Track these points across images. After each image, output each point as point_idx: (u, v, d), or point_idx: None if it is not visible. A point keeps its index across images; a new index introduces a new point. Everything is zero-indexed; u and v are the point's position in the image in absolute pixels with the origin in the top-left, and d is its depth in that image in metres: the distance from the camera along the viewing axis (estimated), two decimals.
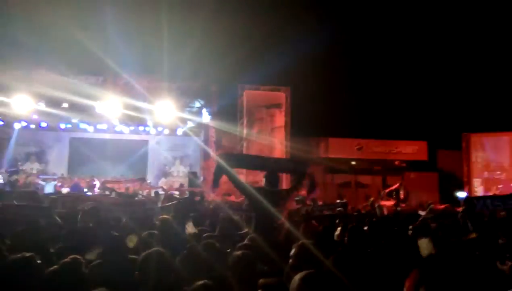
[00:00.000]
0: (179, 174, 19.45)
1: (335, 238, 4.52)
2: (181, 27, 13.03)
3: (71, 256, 2.71)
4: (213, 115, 16.04)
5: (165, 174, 19.38)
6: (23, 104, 13.96)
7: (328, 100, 17.84)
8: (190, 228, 4.77)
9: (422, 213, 8.23)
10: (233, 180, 5.03)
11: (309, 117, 17.48)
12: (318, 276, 2.07)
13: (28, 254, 2.66)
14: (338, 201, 11.63)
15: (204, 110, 16.35)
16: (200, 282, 2.41)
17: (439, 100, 17.39)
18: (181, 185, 16.19)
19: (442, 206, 8.61)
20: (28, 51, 12.38)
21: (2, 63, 12.70)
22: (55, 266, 2.71)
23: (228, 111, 16.12)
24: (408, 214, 7.95)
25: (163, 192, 12.33)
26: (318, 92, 17.59)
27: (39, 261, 2.64)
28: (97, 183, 15.24)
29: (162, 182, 18.90)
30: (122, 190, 12.30)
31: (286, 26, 15.59)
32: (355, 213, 8.83)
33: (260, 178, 13.32)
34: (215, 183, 5.45)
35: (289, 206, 5.56)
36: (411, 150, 18.90)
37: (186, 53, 13.20)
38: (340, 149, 18.60)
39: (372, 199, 11.58)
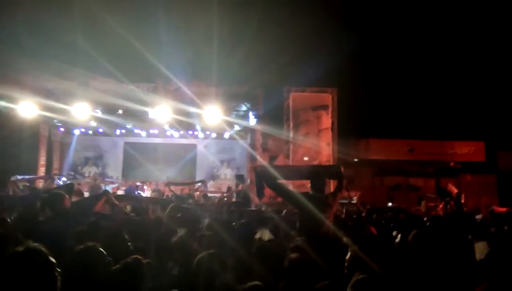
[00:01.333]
0: (227, 177, 19.78)
1: (396, 243, 4.37)
2: (229, 33, 13.33)
3: (133, 256, 2.85)
4: (259, 118, 16.15)
5: (213, 177, 19.79)
6: (82, 112, 14.82)
7: (376, 101, 17.42)
8: (266, 236, 4.79)
9: (478, 216, 7.79)
10: (275, 188, 5.03)
11: (357, 118, 17.15)
12: (372, 280, 2.06)
13: (91, 244, 2.83)
14: (389, 204, 11.32)
15: (250, 114, 16.52)
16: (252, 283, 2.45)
17: (496, 99, 16.38)
18: (229, 188, 16.45)
19: (504, 209, 8.07)
20: (86, 60, 13.17)
21: (62, 72, 13.64)
22: (118, 265, 2.84)
23: (274, 114, 16.19)
24: (464, 217, 7.56)
25: (213, 195, 12.59)
26: (365, 92, 17.23)
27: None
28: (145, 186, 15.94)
29: (211, 185, 19.35)
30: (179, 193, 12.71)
31: (331, 27, 15.42)
32: (409, 217, 8.50)
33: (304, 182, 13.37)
34: (259, 193, 5.46)
35: (335, 210, 5.46)
36: (467, 150, 17.92)
37: (233, 58, 13.46)
38: (390, 150, 18.03)
39: (424, 202, 11.14)
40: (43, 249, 1.92)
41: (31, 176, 14.96)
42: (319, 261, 3.39)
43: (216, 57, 13.11)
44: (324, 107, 16.16)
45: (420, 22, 16.22)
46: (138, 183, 17.00)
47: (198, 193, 15.09)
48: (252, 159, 17.26)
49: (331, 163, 15.11)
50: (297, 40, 15.01)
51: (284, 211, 7.15)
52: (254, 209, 8.09)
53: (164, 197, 11.99)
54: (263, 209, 7.92)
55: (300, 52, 15.18)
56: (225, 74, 14.28)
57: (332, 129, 16.10)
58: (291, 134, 15.94)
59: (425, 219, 6.47)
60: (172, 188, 15.13)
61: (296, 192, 5.21)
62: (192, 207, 6.77)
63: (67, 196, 4.40)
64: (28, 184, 14.11)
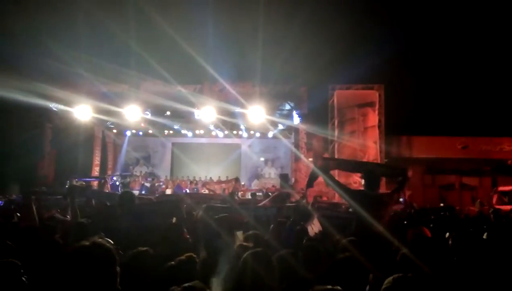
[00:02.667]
0: (271, 176, 19.88)
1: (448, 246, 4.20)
2: (273, 33, 13.39)
3: (187, 254, 2.95)
4: (303, 117, 16.06)
5: (258, 176, 19.95)
6: (133, 114, 15.52)
7: (425, 97, 16.75)
8: (315, 228, 4.79)
9: None
10: (331, 183, 4.96)
11: (405, 115, 16.58)
12: (413, 280, 2.03)
13: (143, 249, 2.98)
14: (441, 204, 10.85)
15: (294, 113, 16.47)
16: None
17: None
18: (273, 187, 16.54)
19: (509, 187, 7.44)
20: (138, 62, 13.76)
21: (116, 75, 14.35)
22: (172, 262, 2.95)
23: (318, 112, 16.03)
24: None
25: (260, 193, 12.72)
26: (414, 89, 16.62)
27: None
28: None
29: (255, 184, 19.54)
30: (219, 192, 12.99)
31: (377, 23, 15.04)
32: (463, 218, 8.12)
33: (353, 180, 13.11)
34: (310, 183, 5.43)
35: (390, 210, 5.30)
36: None
37: (277, 57, 13.52)
38: (441, 147, 17.23)
39: (479, 201, 10.56)
40: (107, 244, 2.04)
41: (87, 178, 15.88)
42: (367, 263, 3.33)
43: (261, 57, 13.23)
44: (371, 104, 15.75)
45: (469, 17, 15.40)
46: (184, 182, 17.60)
47: (241, 192, 15.35)
48: (296, 158, 17.23)
49: (378, 161, 14.72)
50: (342, 37, 14.76)
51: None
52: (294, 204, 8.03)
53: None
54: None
55: (344, 49, 14.92)
56: (269, 73, 14.36)
57: (379, 127, 15.66)
58: (336, 133, 15.70)
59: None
60: (212, 187, 15.50)
61: (351, 188, 5.13)
62: (233, 207, 6.83)
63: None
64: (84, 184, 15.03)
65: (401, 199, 9.83)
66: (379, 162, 14.74)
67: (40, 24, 12.12)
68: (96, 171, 18.22)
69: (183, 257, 2.88)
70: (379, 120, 15.69)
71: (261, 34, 12.94)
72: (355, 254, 3.28)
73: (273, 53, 13.47)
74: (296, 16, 13.22)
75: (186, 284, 2.16)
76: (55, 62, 12.30)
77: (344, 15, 14.35)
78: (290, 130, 18.40)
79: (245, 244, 3.58)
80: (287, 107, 17.33)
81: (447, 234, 5.01)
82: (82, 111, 15.26)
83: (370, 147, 15.56)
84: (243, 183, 18.17)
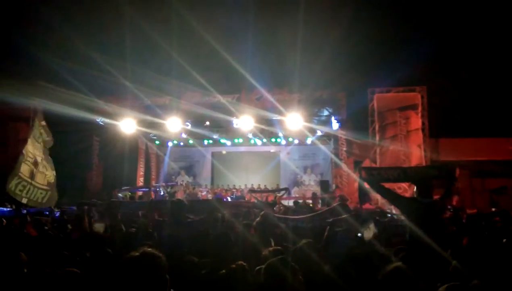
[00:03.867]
0: (311, 183, 19.68)
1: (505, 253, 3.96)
2: (310, 39, 13.34)
3: (239, 262, 2.98)
4: (342, 123, 15.81)
5: (297, 183, 19.82)
6: (174, 125, 15.99)
7: (471, 98, 15.99)
8: (371, 232, 4.70)
9: None
10: (381, 193, 4.78)
11: (449, 117, 15.90)
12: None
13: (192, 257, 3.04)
14: (493, 209, 10.25)
15: (332, 119, 16.27)
16: None
17: None
18: (314, 194, 16.34)
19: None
20: (179, 73, 14.14)
21: (158, 88, 14.86)
22: (223, 271, 2.99)
23: (357, 117, 15.73)
24: None
25: (301, 201, 12.63)
26: (457, 89, 15.91)
27: None
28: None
29: (295, 191, 19.42)
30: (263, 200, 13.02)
31: (416, 24, 14.60)
32: None
33: (397, 185, 12.70)
34: (363, 199, 5.27)
35: (444, 217, 5.07)
36: None
37: (314, 63, 13.44)
38: (489, 149, 16.33)
39: None
40: (156, 253, 2.12)
41: (134, 187, 16.50)
42: (417, 274, 3.20)
43: (298, 63, 13.20)
44: (413, 107, 15.25)
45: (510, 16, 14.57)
46: (225, 190, 17.82)
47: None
48: (337, 165, 16.97)
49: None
50: (380, 40, 14.48)
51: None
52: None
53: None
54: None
55: (383, 52, 14.60)
56: (307, 79, 14.29)
57: (423, 130, 15.12)
58: (377, 138, 15.31)
59: None
60: (257, 195, 15.57)
61: (404, 196, 4.97)
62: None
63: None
64: (130, 193, 15.63)
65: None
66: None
67: (88, 37, 12.76)
68: (141, 181, 18.90)
69: (234, 266, 2.92)
70: (423, 123, 15.16)
71: (298, 41, 12.93)
72: (406, 265, 3.18)
73: (310, 59, 13.40)
74: (333, 21, 13.11)
75: None
76: (102, 74, 12.89)
77: (382, 17, 14.05)
78: (329, 136, 18.19)
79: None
80: (325, 113, 17.17)
81: (504, 240, 4.75)
82: (127, 125, 15.93)
83: (414, 151, 15.04)
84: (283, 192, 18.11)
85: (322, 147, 18.73)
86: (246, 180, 19.12)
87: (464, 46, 15.48)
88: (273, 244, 4.31)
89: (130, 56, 13.77)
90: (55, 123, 14.91)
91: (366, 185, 4.82)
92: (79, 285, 2.46)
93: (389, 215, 10.25)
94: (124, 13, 12.75)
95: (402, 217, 5.04)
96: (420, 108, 15.21)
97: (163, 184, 17.87)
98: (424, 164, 14.56)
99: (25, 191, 11.90)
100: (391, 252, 4.08)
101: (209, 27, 12.68)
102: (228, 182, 19.45)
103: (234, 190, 17.64)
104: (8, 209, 11.69)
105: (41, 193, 12.80)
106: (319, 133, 18.08)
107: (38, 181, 12.55)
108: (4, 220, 7.38)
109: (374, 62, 14.45)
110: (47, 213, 9.36)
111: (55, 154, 15.52)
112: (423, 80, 15.43)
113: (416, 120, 15.20)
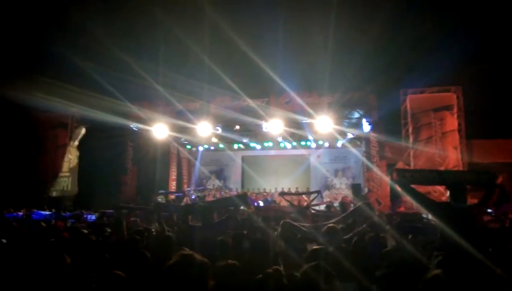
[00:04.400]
0: (342, 186, 19.41)
1: None
2: (340, 41, 13.20)
3: (274, 267, 2.99)
4: (374, 125, 15.53)
5: (328, 187, 19.60)
6: (205, 130, 16.23)
7: (507, 98, 15.29)
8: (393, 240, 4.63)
9: None
10: (412, 197, 4.66)
11: (487, 117, 15.26)
12: None
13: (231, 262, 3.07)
14: None
15: (363, 121, 16.02)
16: None
17: None
18: (345, 197, 16.11)
19: None
20: (209, 81, 14.35)
21: (189, 93, 15.14)
22: (259, 275, 3.00)
23: (390, 119, 15.39)
24: None
25: (336, 204, 12.49)
26: (494, 88, 15.27)
27: None
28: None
29: (326, 195, 19.20)
30: (295, 203, 12.97)
31: (451, 22, 14.14)
32: None
33: (432, 188, 12.32)
34: (395, 202, 5.16)
35: (480, 224, 4.86)
36: None
37: (344, 66, 13.28)
38: None
39: None
40: (197, 256, 2.18)
41: (170, 192, 16.90)
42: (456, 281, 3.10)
43: (328, 66, 13.08)
44: (448, 107, 14.76)
45: None
46: (255, 194, 17.87)
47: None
48: (369, 168, 16.67)
49: (460, 169, 13.71)
50: (412, 39, 14.09)
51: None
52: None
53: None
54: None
55: (416, 52, 14.20)
56: (337, 82, 14.14)
57: (459, 131, 14.60)
58: (410, 140, 14.91)
59: None
60: (288, 197, 15.51)
61: (435, 201, 4.83)
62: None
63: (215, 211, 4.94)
64: (163, 197, 15.97)
65: (489, 210, 9.01)
66: (461, 169, 13.74)
67: (123, 43, 13.12)
68: (173, 185, 19.28)
69: (270, 270, 2.93)
70: (459, 124, 14.63)
71: (328, 43, 12.82)
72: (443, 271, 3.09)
73: (340, 61, 13.24)
74: (364, 22, 12.92)
75: None
76: (136, 79, 13.25)
77: (414, 16, 13.72)
78: (360, 139, 17.91)
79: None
80: (356, 115, 16.91)
81: None
82: (159, 130, 16.32)
83: (450, 153, 14.54)
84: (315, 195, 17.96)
85: (353, 150, 18.46)
86: (276, 183, 19.11)
87: (501, 44, 14.87)
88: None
89: (163, 62, 14.08)
90: (93, 130, 15.53)
91: (397, 187, 4.70)
92: (124, 288, 2.54)
93: (425, 220, 9.96)
94: (157, 19, 13.08)
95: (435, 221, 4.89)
96: (455, 109, 14.71)
97: (194, 188, 18.16)
98: (461, 166, 14.06)
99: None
100: (425, 257, 3.98)
101: (239, 31, 12.79)
102: (258, 186, 19.49)
103: (264, 194, 17.67)
104: (49, 213, 12.23)
105: (64, 181, 13.72)
106: (349, 136, 17.84)
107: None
108: (43, 224, 7.71)
109: (406, 62, 14.09)
110: (92, 217, 9.72)
111: (93, 160, 16.17)
112: (458, 80, 14.92)
113: (452, 122, 14.70)
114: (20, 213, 11.31)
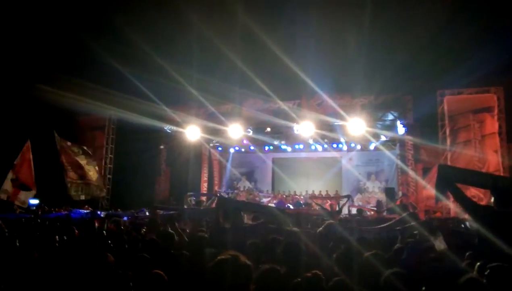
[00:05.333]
0: (375, 190, 19.02)
1: None
2: (374, 41, 12.96)
3: (314, 271, 2.96)
4: (409, 127, 15.13)
5: (360, 190, 19.26)
6: (236, 132, 16.37)
7: None
8: (442, 246, 4.50)
9: None
10: (457, 196, 4.44)
11: None
12: None
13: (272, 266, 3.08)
14: None
15: (398, 123, 15.64)
16: None
17: None
18: (378, 202, 15.77)
19: None
20: (241, 83, 14.45)
21: (222, 95, 15.32)
22: (298, 279, 2.98)
23: (426, 121, 14.96)
24: None
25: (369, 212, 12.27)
26: None
27: None
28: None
29: (358, 198, 18.89)
30: (326, 207, 12.85)
31: (488, 20, 13.56)
32: None
33: (470, 192, 11.84)
34: (441, 194, 4.90)
35: None
36: None
37: (379, 66, 13.02)
38: None
39: None
40: (241, 256, 2.21)
41: (200, 193, 17.19)
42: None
43: (362, 68, 12.86)
44: (488, 109, 14.14)
45: None
46: (286, 196, 17.83)
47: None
48: (403, 171, 16.25)
49: (501, 173, 13.09)
50: (449, 38, 13.62)
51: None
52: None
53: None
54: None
55: (454, 51, 13.71)
56: (370, 84, 13.88)
57: (500, 133, 13.96)
58: (447, 143, 14.39)
59: None
60: (319, 201, 15.39)
61: (479, 205, 4.63)
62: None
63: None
64: (194, 199, 16.21)
65: None
66: (501, 173, 13.13)
67: (158, 47, 13.41)
68: (204, 187, 19.56)
69: (309, 274, 2.91)
70: (500, 127, 13.97)
71: (362, 44, 12.60)
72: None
73: (374, 62, 12.99)
74: (399, 22, 12.61)
75: None
76: (170, 82, 13.52)
77: (451, 15, 13.26)
78: (394, 141, 17.50)
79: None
80: (390, 117, 16.55)
81: None
82: (192, 132, 16.61)
83: (490, 156, 13.91)
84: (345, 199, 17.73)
85: (387, 153, 18.04)
86: (307, 186, 18.96)
87: None
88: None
89: (197, 65, 14.30)
90: (128, 132, 16.00)
91: (442, 184, 4.50)
92: (164, 287, 2.60)
93: (463, 225, 9.58)
94: (192, 24, 13.29)
95: (476, 226, 4.68)
96: (496, 111, 14.07)
97: (224, 190, 18.34)
98: (501, 170, 13.43)
99: (79, 191, 13.53)
100: (467, 263, 3.84)
101: (271, 34, 12.79)
102: (289, 188, 19.43)
103: (296, 197, 17.59)
104: (85, 211, 12.71)
105: (93, 188, 14.61)
106: (383, 138, 17.47)
107: (90, 178, 14.30)
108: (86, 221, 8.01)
109: (443, 63, 13.62)
110: (125, 218, 10.02)
111: (128, 161, 16.66)
112: (499, 80, 14.27)
113: (492, 124, 14.06)
114: (63, 212, 11.82)
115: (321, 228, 5.53)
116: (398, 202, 14.25)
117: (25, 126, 13.31)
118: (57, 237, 4.55)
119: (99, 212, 12.54)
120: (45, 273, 3.08)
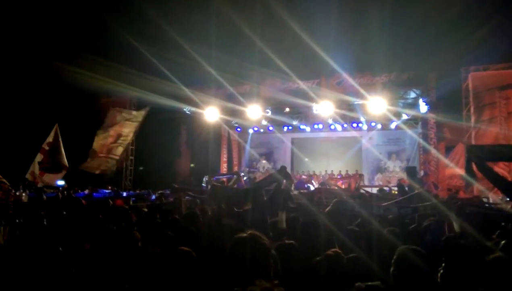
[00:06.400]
0: (396, 169, 18.81)
1: None
2: (396, 17, 12.56)
3: (334, 249, 2.99)
4: (432, 105, 14.76)
5: (381, 169, 19.09)
6: (255, 112, 16.32)
7: None
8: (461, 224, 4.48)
9: None
10: (488, 175, 4.31)
11: None
12: None
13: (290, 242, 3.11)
14: None
15: (420, 101, 15.27)
16: None
17: None
18: (399, 181, 15.59)
19: None
20: (260, 63, 14.31)
21: (240, 75, 15.24)
22: (319, 257, 3.01)
23: (449, 99, 14.55)
24: None
25: (387, 189, 12.17)
26: None
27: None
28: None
29: (378, 178, 18.74)
30: (345, 186, 12.80)
31: None
32: None
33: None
34: (470, 174, 4.73)
35: None
36: None
37: (400, 43, 12.66)
38: None
39: None
40: (261, 235, 2.25)
41: (221, 174, 17.37)
42: None
43: (383, 45, 12.52)
44: None
45: None
46: (304, 176, 17.82)
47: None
48: (425, 150, 15.97)
49: None
50: (474, 11, 13.06)
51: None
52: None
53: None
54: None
55: (479, 26, 13.17)
56: (392, 61, 13.52)
57: None
58: (472, 120, 14.01)
59: None
60: (334, 182, 15.33)
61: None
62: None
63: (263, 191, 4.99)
64: (214, 179, 16.39)
65: None
66: None
67: (177, 26, 13.31)
68: (224, 167, 19.74)
69: (330, 252, 2.93)
70: None
71: (384, 20, 12.22)
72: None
73: (396, 39, 12.62)
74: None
75: (370, 283, 2.25)
76: (189, 62, 13.49)
77: None
78: (416, 120, 17.15)
79: None
80: (412, 95, 16.16)
81: None
82: (211, 113, 16.67)
83: None
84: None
85: (409, 131, 17.72)
86: (327, 166, 18.91)
87: None
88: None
89: (215, 45, 14.19)
90: (149, 113, 16.19)
91: (472, 167, 4.36)
92: (190, 264, 2.66)
93: (487, 204, 9.41)
94: (210, 1, 13.15)
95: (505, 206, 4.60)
96: None
97: (248, 169, 18.47)
98: None
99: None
100: (494, 243, 3.78)
101: (290, 11, 12.54)
102: (308, 168, 19.42)
103: (315, 176, 17.58)
104: (109, 191, 13.05)
105: (111, 162, 15.20)
106: (404, 117, 17.13)
107: (113, 152, 14.89)
108: (111, 201, 8.24)
109: (468, 39, 13.12)
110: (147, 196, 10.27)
111: (149, 142, 16.93)
112: None
113: None
114: (85, 192, 12.17)
115: (329, 207, 5.52)
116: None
117: (53, 109, 13.60)
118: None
119: (122, 192, 12.88)
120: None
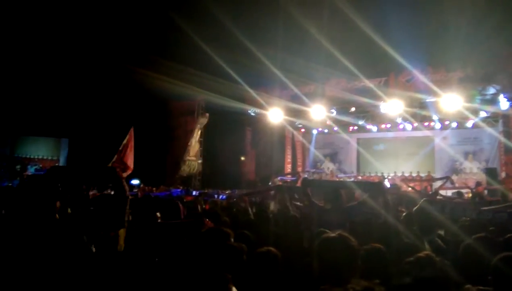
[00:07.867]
0: (473, 171, 17.54)
1: None
2: (475, 5, 11.69)
3: (425, 252, 2.85)
4: None
5: (456, 171, 17.88)
6: (319, 113, 16.15)
7: None
8: None
9: None
10: None
11: None
12: None
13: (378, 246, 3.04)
14: None
15: (501, 97, 14.06)
16: None
17: None
18: (478, 183, 14.50)
19: None
20: (325, 62, 14.15)
21: (303, 77, 15.18)
22: (411, 258, 2.89)
23: None
24: None
25: (468, 191, 11.38)
26: None
27: None
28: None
29: (454, 180, 17.59)
30: (418, 188, 12.19)
31: None
32: None
33: None
34: None
35: None
36: None
37: (480, 35, 11.76)
38: None
39: None
40: (349, 236, 2.26)
41: (285, 175, 17.49)
42: None
43: (460, 37, 11.72)
44: None
45: None
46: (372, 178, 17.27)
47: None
48: (507, 150, 14.69)
49: None
50: None
51: None
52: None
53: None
54: None
55: None
56: (469, 55, 12.62)
57: None
58: None
59: None
60: (410, 183, 14.61)
61: None
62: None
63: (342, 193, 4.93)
64: (279, 179, 16.50)
65: None
66: None
67: (243, 28, 13.55)
68: (288, 168, 19.80)
69: (421, 255, 2.83)
70: None
71: (460, 11, 11.42)
72: None
73: (474, 30, 11.74)
74: None
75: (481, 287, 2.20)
76: (255, 64, 13.68)
77: None
78: (496, 117, 15.85)
79: None
80: (492, 91, 14.93)
81: None
82: (275, 114, 16.79)
83: None
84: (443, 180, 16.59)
85: (488, 130, 16.43)
86: (395, 167, 18.15)
87: None
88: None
89: (280, 46, 14.26)
90: (216, 115, 16.75)
91: None
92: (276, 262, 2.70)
93: None
94: (276, 2, 13.23)
95: None
96: None
97: (314, 170, 18.35)
98: None
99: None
100: None
101: (358, 9, 12.22)
102: (375, 169, 18.78)
103: (383, 178, 16.97)
104: (180, 190, 13.67)
105: (192, 164, 16.12)
106: (483, 114, 15.90)
107: (190, 154, 15.81)
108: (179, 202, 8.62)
109: None
110: (216, 196, 10.61)
111: (216, 143, 17.53)
112: None
113: None
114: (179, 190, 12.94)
115: (416, 207, 5.26)
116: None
117: (129, 114, 14.56)
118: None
119: (193, 191, 13.44)
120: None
